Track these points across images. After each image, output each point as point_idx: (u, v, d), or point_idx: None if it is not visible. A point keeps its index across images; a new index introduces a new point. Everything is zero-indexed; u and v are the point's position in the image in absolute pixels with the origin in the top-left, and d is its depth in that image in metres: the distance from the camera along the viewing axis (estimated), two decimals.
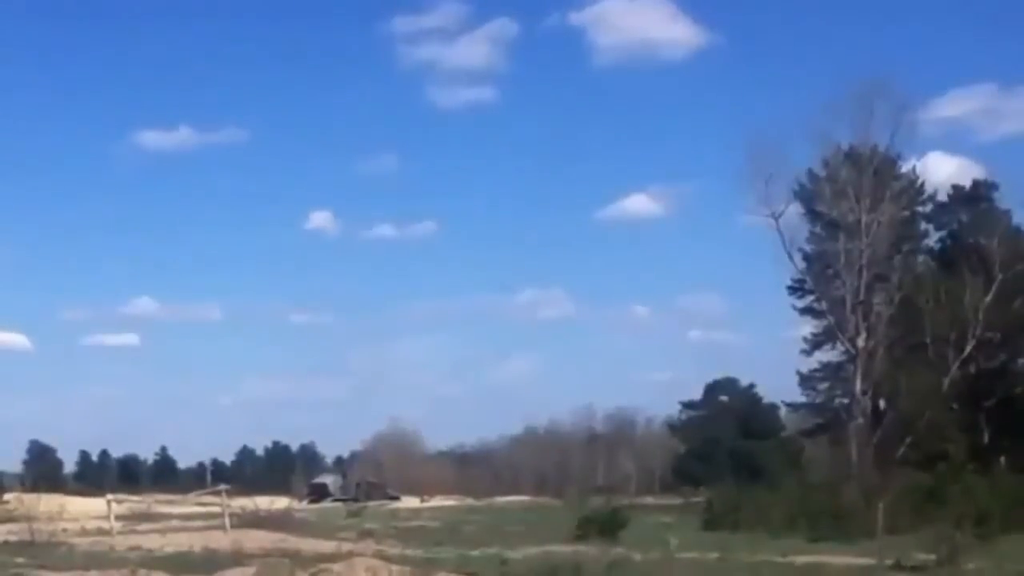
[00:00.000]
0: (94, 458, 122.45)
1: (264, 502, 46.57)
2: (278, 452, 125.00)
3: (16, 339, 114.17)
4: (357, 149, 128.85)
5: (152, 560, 24.80)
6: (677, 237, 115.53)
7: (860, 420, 48.98)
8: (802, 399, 58.45)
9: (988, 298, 48.25)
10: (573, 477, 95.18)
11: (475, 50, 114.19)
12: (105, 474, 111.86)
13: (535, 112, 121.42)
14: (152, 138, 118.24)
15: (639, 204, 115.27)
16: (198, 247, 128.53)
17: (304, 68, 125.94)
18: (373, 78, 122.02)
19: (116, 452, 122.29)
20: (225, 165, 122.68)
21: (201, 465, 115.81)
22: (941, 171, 61.83)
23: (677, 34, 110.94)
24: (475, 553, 26.78)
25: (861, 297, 49.27)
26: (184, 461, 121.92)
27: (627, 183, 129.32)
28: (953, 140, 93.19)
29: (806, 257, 52.75)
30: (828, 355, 54.50)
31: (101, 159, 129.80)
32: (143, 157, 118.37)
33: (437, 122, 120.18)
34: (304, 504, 66.33)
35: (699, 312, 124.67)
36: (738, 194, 53.04)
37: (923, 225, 55.32)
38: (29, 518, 32.24)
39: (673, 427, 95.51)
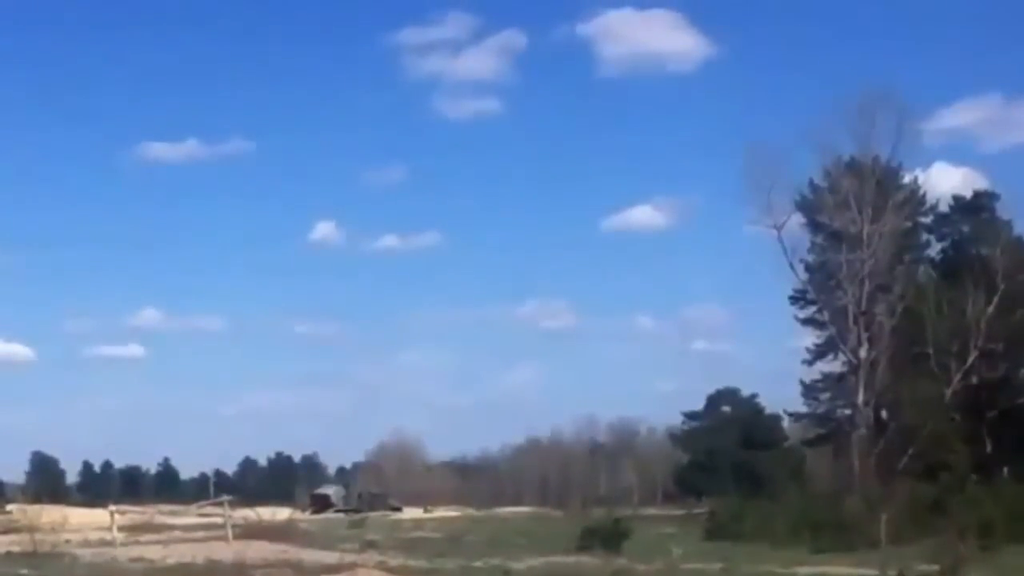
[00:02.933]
0: (97, 469, 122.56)
1: (267, 513, 46.69)
2: (281, 463, 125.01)
3: (20, 350, 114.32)
4: (364, 160, 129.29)
5: (155, 571, 24.86)
6: (681, 248, 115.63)
7: (862, 430, 48.93)
8: (804, 409, 58.38)
9: (990, 309, 48.19)
10: (575, 487, 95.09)
11: (482, 62, 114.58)
12: (108, 485, 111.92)
13: (540, 123, 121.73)
14: (159, 150, 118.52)
15: (643, 215, 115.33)
16: (203, 258, 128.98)
17: (311, 80, 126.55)
18: (380, 89, 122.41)
19: (119, 463, 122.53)
20: (231, 176, 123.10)
21: (204, 476, 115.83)
22: (946, 182, 61.75)
23: (683, 45, 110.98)
24: (478, 564, 26.81)
25: (863, 308, 49.25)
26: (187, 472, 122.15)
27: (631, 194, 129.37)
28: (958, 151, 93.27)
29: (808, 268, 52.78)
30: (830, 365, 54.49)
31: (108, 170, 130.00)
32: (149, 169, 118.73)
33: (444, 133, 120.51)
34: (307, 515, 66.33)
35: (702, 322, 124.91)
36: (741, 205, 52.98)
37: (925, 236, 55.28)
38: (32, 529, 32.21)
39: (675, 437, 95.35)
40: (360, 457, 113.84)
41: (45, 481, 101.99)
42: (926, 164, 57.25)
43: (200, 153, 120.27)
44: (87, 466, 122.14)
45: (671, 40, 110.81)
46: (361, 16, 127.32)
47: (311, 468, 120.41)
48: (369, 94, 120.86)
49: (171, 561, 27.02)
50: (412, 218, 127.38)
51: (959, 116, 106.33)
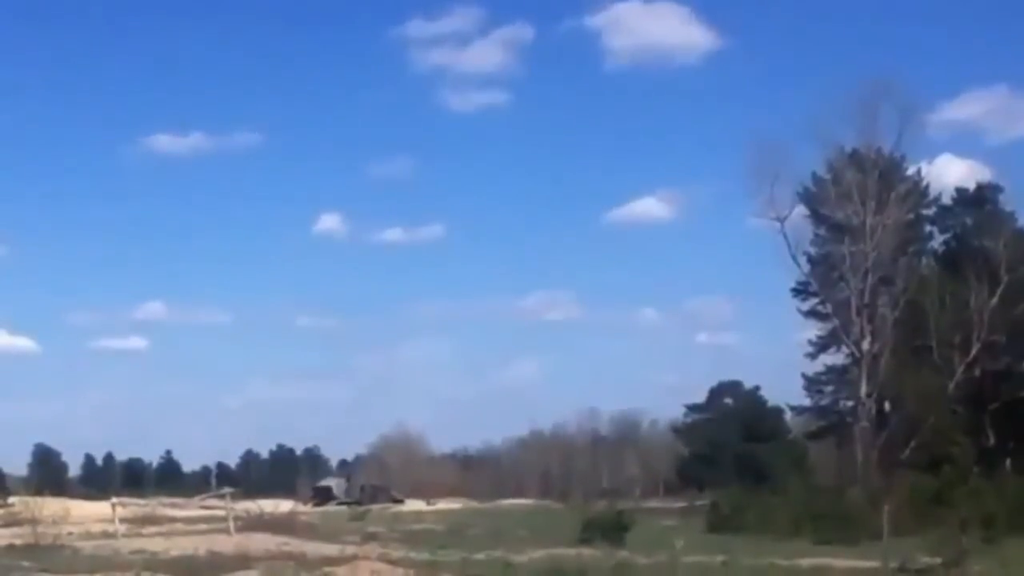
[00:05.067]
0: (99, 461, 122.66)
1: (268, 505, 46.55)
2: (283, 455, 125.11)
3: (24, 343, 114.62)
4: (369, 153, 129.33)
5: (157, 563, 24.78)
6: (685, 240, 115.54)
7: (865, 423, 48.92)
8: (807, 402, 58.35)
9: (993, 301, 48.17)
10: (577, 480, 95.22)
11: (489, 54, 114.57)
12: (110, 477, 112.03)
13: (546, 116, 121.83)
14: (164, 142, 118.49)
15: (647, 207, 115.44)
16: (207, 251, 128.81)
17: (317, 72, 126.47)
18: (386, 82, 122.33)
19: (121, 455, 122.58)
20: (236, 169, 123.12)
21: (206, 468, 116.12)
22: (952, 173, 61.85)
23: (690, 38, 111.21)
24: (479, 556, 26.74)
25: (866, 300, 49.21)
26: (189, 464, 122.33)
27: (636, 186, 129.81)
28: (965, 142, 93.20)
29: (811, 260, 52.74)
30: (833, 358, 54.45)
31: (112, 163, 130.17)
32: (154, 161, 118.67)
33: (449, 126, 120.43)
34: (308, 507, 66.34)
35: (706, 315, 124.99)
36: (745, 197, 53.01)
37: (927, 228, 55.23)
38: (34, 521, 32.19)
39: (678, 430, 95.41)
40: (362, 450, 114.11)
41: (47, 473, 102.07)
42: (932, 156, 57.32)
43: (205, 145, 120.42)
44: (89, 458, 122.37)
45: (678, 33, 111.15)
46: (368, 8, 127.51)
47: (313, 461, 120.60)
48: (375, 87, 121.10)
49: (173, 553, 26.96)
50: (417, 211, 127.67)
51: (965, 108, 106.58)
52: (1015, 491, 36.96)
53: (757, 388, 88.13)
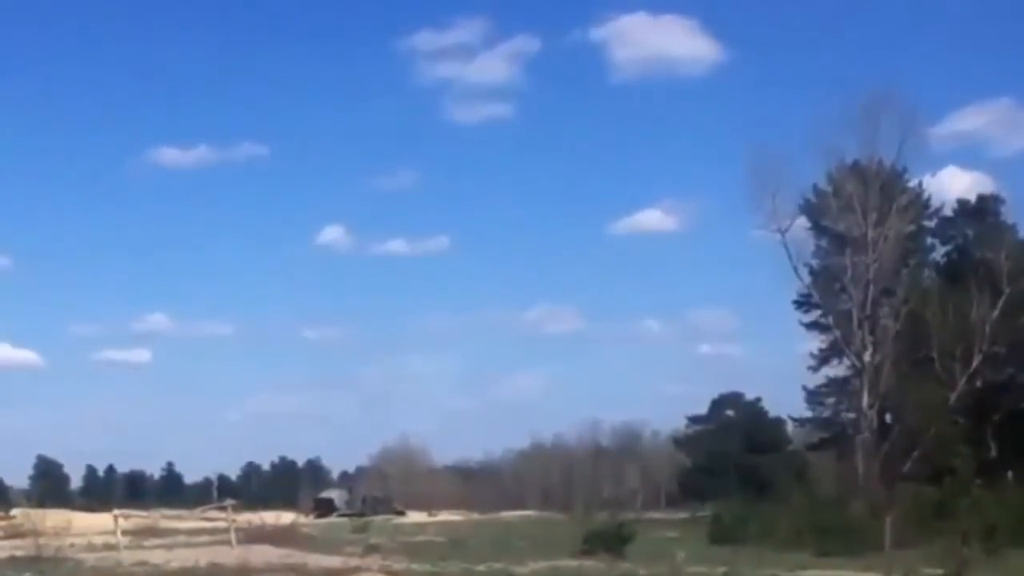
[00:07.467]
0: (101, 473, 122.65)
1: (270, 517, 46.60)
2: (284, 467, 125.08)
3: (27, 355, 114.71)
4: (373, 164, 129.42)
5: (159, 575, 24.82)
6: (688, 252, 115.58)
7: (867, 434, 48.86)
8: (808, 414, 58.33)
9: (994, 312, 48.11)
10: (579, 491, 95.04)
11: (495, 66, 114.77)
12: (111, 489, 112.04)
13: (551, 128, 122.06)
14: (170, 155, 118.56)
15: (651, 219, 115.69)
16: (211, 263, 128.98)
17: (323, 84, 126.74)
18: (391, 94, 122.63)
19: (122, 467, 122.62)
20: (240, 181, 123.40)
21: (207, 480, 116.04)
22: (957, 185, 61.92)
23: (695, 51, 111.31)
24: (481, 568, 26.76)
25: (867, 311, 49.18)
26: (190, 476, 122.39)
27: (640, 198, 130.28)
28: (969, 154, 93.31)
29: (812, 272, 52.68)
30: (835, 369, 54.36)
31: (117, 175, 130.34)
32: (159, 174, 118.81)
33: (454, 138, 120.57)
34: (310, 519, 66.33)
35: (708, 326, 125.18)
36: (748, 209, 52.96)
37: (929, 239, 55.25)
38: (36, 533, 32.22)
39: (679, 441, 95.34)
40: (364, 461, 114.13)
41: (49, 485, 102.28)
42: (937, 168, 57.44)
43: (210, 158, 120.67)
44: (91, 470, 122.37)
45: (683, 45, 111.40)
46: (374, 21, 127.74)
47: (315, 472, 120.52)
48: (380, 99, 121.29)
49: (175, 565, 27.00)
50: (421, 223, 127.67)
51: (969, 120, 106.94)
52: (1017, 502, 36.86)
53: (759, 399, 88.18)
